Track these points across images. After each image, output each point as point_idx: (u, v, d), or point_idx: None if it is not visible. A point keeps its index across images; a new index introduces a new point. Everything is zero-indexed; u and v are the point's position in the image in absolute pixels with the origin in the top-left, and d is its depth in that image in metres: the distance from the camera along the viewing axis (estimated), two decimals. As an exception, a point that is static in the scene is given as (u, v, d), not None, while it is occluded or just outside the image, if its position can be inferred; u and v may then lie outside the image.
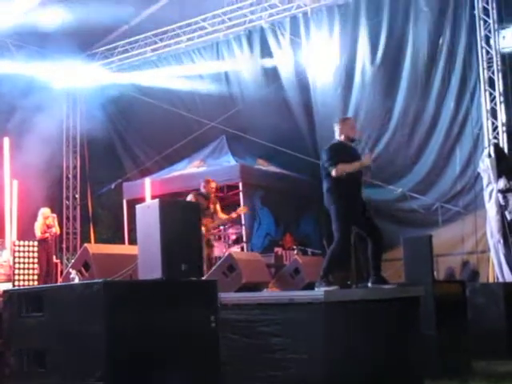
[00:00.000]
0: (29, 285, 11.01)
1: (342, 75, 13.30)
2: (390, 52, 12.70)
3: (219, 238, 12.88)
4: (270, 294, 7.98)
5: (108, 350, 3.87)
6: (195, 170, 14.05)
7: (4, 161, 13.37)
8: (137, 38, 15.47)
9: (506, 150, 11.31)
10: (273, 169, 14.42)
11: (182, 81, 15.17)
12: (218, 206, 10.31)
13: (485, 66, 11.54)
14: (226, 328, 4.88)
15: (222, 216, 10.47)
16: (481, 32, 11.58)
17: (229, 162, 13.88)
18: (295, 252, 12.87)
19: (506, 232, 10.76)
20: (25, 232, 12.77)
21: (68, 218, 16.98)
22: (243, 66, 14.55)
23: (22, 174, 13.37)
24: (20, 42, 14.98)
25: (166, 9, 14.06)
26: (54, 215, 12.70)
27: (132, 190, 14.47)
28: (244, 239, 13.12)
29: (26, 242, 11.68)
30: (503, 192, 10.84)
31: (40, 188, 14.12)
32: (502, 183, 10.86)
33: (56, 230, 12.52)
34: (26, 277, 11.43)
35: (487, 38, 11.56)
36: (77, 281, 7.38)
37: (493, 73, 11.51)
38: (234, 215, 10.93)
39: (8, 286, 10.76)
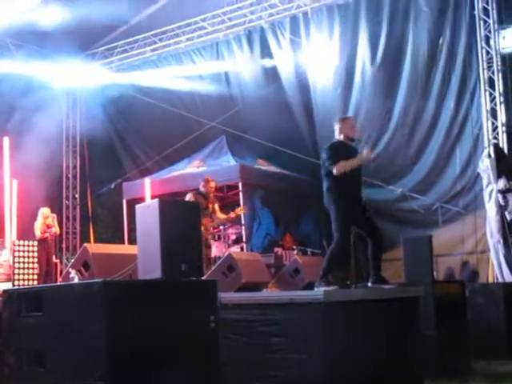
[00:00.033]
0: (28, 284, 11.00)
1: (342, 75, 13.30)
2: (390, 52, 12.70)
3: (219, 237, 12.88)
4: (270, 294, 7.97)
5: (108, 349, 3.86)
6: (195, 170, 14.05)
7: (4, 160, 13.37)
8: (136, 37, 15.47)
9: (505, 151, 11.32)
10: (273, 169, 14.42)
11: (182, 81, 15.17)
12: (216, 206, 10.31)
13: (485, 66, 11.55)
14: (225, 328, 4.88)
15: (221, 216, 10.48)
16: (481, 32, 11.59)
17: (229, 161, 13.88)
18: (295, 252, 12.88)
19: (506, 232, 10.76)
20: (24, 232, 12.77)
21: (68, 218, 16.98)
22: (243, 66, 14.55)
23: (22, 174, 13.37)
24: (20, 41, 14.98)
25: (165, 9, 14.06)
26: (54, 215, 12.71)
27: (132, 190, 14.47)
28: (244, 239, 13.12)
29: (26, 242, 11.68)
30: (503, 192, 10.84)
31: (40, 188, 14.12)
32: (501, 183, 10.86)
33: (56, 229, 12.53)
34: (26, 276, 11.43)
35: (487, 38, 11.57)
36: (76, 280, 7.38)
37: (493, 73, 11.51)
38: (232, 215, 10.94)
39: (8, 285, 10.75)
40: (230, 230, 13.18)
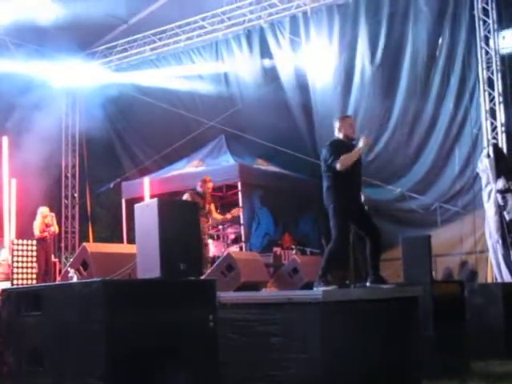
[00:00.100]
0: (27, 284, 11.00)
1: (341, 75, 13.30)
2: (389, 52, 12.70)
3: (218, 237, 12.88)
4: (269, 293, 7.97)
5: (107, 349, 3.86)
6: (194, 170, 14.05)
7: (3, 159, 13.37)
8: (136, 37, 15.47)
9: (504, 151, 11.32)
10: (272, 168, 14.43)
11: (181, 80, 15.17)
12: (212, 206, 10.33)
13: (484, 67, 11.56)
14: (224, 327, 4.88)
15: (217, 216, 10.52)
16: (480, 32, 11.59)
17: (228, 161, 13.88)
18: (294, 252, 12.89)
19: (505, 232, 10.77)
20: (23, 231, 12.77)
21: (67, 217, 16.98)
22: (242, 65, 14.54)
23: (21, 173, 13.38)
24: (19, 40, 14.97)
25: (165, 8, 14.07)
26: (53, 214, 12.72)
27: (131, 190, 14.48)
28: (243, 239, 13.12)
29: (25, 241, 11.68)
30: (502, 192, 10.84)
31: (39, 187, 14.11)
32: (500, 183, 10.87)
33: (55, 228, 12.54)
34: (25, 276, 11.42)
35: (487, 39, 11.58)
36: (75, 280, 7.38)
37: (492, 73, 11.52)
38: (228, 216, 10.99)
39: (7, 284, 10.74)
40: (229, 230, 13.19)
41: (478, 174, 11.36)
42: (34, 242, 11.76)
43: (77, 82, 16.55)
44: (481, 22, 11.61)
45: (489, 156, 11.18)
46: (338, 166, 6.25)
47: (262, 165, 14.42)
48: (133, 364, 3.96)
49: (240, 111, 14.36)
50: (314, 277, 6.86)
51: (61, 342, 4.09)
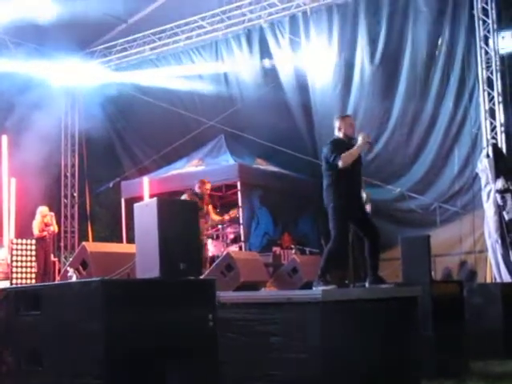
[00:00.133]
0: (26, 283, 11.00)
1: (340, 74, 13.31)
2: (389, 52, 12.71)
3: (217, 237, 12.89)
4: (268, 293, 7.98)
5: (106, 348, 3.86)
6: (193, 169, 14.06)
7: (2, 159, 13.36)
8: (135, 36, 15.47)
9: (504, 151, 11.33)
10: (271, 168, 14.43)
11: (181, 80, 15.17)
12: (210, 208, 10.36)
13: (483, 66, 11.56)
14: (224, 327, 4.88)
15: (215, 217, 10.56)
16: (480, 32, 11.60)
17: (227, 161, 13.88)
18: (293, 251, 12.90)
19: (504, 232, 10.77)
20: (23, 230, 12.76)
21: (66, 217, 16.97)
22: (242, 65, 14.54)
23: (20, 172, 13.37)
24: (18, 39, 14.96)
25: (164, 7, 14.06)
26: (52, 213, 12.71)
27: (130, 189, 14.48)
28: (242, 238, 13.13)
29: (24, 241, 11.67)
30: (501, 192, 10.85)
31: (38, 186, 14.12)
32: (500, 183, 10.87)
33: (54, 228, 12.53)
34: (24, 275, 11.42)
35: (486, 39, 11.58)
36: (74, 279, 7.38)
37: (491, 73, 11.52)
38: (226, 217, 11.04)
39: (6, 284, 10.75)
40: (229, 229, 13.19)
41: (477, 173, 11.37)
42: (34, 242, 11.76)
43: (76, 82, 16.55)
44: (480, 22, 11.61)
45: (488, 156, 11.19)
46: (340, 164, 6.26)
47: (262, 164, 14.43)
48: (132, 364, 3.95)
49: (240, 111, 14.36)
50: (313, 276, 6.86)
51: (60, 342, 4.09)
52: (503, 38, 11.66)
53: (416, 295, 6.02)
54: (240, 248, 12.85)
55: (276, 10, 13.92)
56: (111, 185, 15.53)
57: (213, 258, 11.06)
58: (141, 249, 4.69)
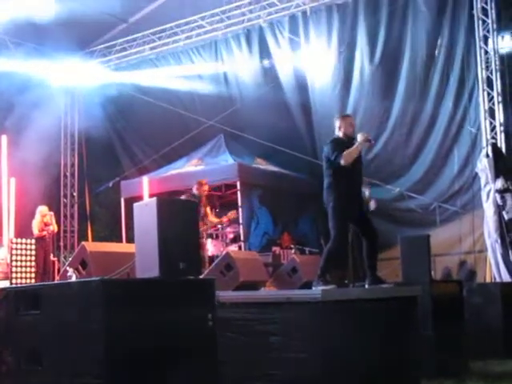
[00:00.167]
0: (26, 283, 10.99)
1: (340, 74, 13.31)
2: (388, 52, 12.71)
3: (217, 236, 12.88)
4: (268, 292, 7.98)
5: (105, 348, 3.86)
6: (193, 169, 14.06)
7: (2, 158, 13.34)
8: (135, 36, 15.46)
9: (503, 150, 11.33)
10: (271, 168, 14.42)
11: (181, 80, 15.17)
12: (208, 209, 10.36)
13: (483, 66, 11.56)
14: (223, 327, 4.88)
15: (213, 219, 10.58)
16: (479, 32, 11.59)
17: (227, 160, 13.87)
18: (293, 251, 12.89)
19: (504, 232, 10.77)
20: (22, 230, 12.75)
21: (66, 216, 16.96)
22: (242, 65, 14.54)
23: (20, 172, 13.36)
24: (18, 39, 14.95)
25: (164, 7, 14.06)
26: (52, 213, 12.71)
27: (130, 189, 14.47)
28: (242, 238, 13.12)
29: (24, 240, 11.66)
30: (501, 192, 10.85)
31: (38, 186, 14.11)
32: (499, 183, 10.87)
33: (53, 227, 12.53)
34: (24, 275, 11.40)
35: (486, 38, 11.58)
36: (74, 279, 7.37)
37: (491, 73, 11.52)
38: (224, 219, 11.06)
39: (5, 283, 10.74)
40: (228, 229, 13.17)
41: (476, 173, 11.37)
42: (33, 241, 11.75)
43: (76, 81, 16.54)
44: (480, 22, 11.61)
45: (488, 156, 11.19)
46: (342, 162, 6.28)
47: (261, 164, 14.42)
48: (131, 363, 3.96)
49: (239, 110, 14.35)
50: (312, 276, 6.86)
51: (59, 341, 4.09)
52: (503, 37, 11.66)
53: (415, 295, 6.03)
54: (239, 248, 12.84)
55: (275, 10, 13.92)
56: (111, 184, 15.53)
57: (212, 258, 11.05)
58: (140, 248, 4.69)
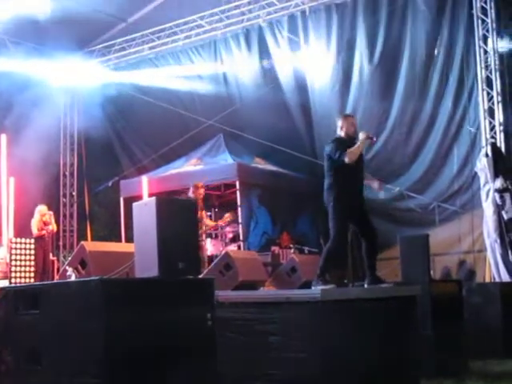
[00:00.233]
0: (25, 282, 10.99)
1: (339, 74, 13.30)
2: (387, 51, 12.70)
3: (216, 236, 12.88)
4: (267, 292, 7.98)
5: (104, 347, 3.86)
6: (192, 169, 14.05)
7: (1, 158, 13.33)
8: (134, 35, 15.45)
9: (503, 150, 11.32)
10: (270, 167, 14.41)
11: (180, 80, 15.16)
12: (203, 213, 10.38)
13: (482, 66, 11.54)
14: (222, 326, 4.88)
15: (209, 223, 10.60)
16: (479, 31, 11.58)
17: (226, 160, 13.87)
18: (292, 251, 12.88)
19: (503, 231, 10.77)
20: (21, 229, 12.74)
21: (65, 216, 16.96)
22: (241, 65, 14.52)
23: (19, 171, 13.35)
24: (17, 38, 14.94)
25: (163, 7, 14.05)
26: (51, 212, 12.70)
27: (129, 188, 14.46)
28: (241, 238, 13.11)
29: (23, 240, 11.65)
30: (500, 191, 10.85)
31: (37, 185, 14.10)
32: (498, 183, 10.87)
33: (53, 227, 12.52)
34: (23, 274, 11.40)
35: (485, 38, 11.57)
36: (73, 278, 7.37)
37: (490, 72, 11.51)
38: (220, 223, 11.06)
39: (5, 283, 10.74)
40: (227, 229, 13.17)
41: (476, 173, 11.37)
42: (32, 241, 11.74)
43: (75, 81, 16.52)
44: (479, 21, 11.60)
45: (487, 155, 11.18)
46: (347, 160, 6.30)
47: (260, 163, 14.41)
48: (131, 363, 3.96)
49: (238, 110, 14.35)
50: (312, 276, 6.86)
51: (59, 341, 4.09)
52: (502, 37, 11.66)
53: (415, 294, 6.03)
54: (239, 247, 12.84)
55: (275, 10, 13.90)
56: (110, 184, 15.52)
57: (211, 258, 11.05)
58: (140, 248, 4.69)
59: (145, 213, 4.64)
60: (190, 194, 10.16)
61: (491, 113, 11.48)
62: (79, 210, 17.05)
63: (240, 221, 13.08)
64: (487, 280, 10.94)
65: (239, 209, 13.06)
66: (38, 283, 7.89)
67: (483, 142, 11.43)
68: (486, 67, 11.54)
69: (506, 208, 10.79)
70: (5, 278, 11.45)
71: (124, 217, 13.94)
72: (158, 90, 15.23)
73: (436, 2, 12.19)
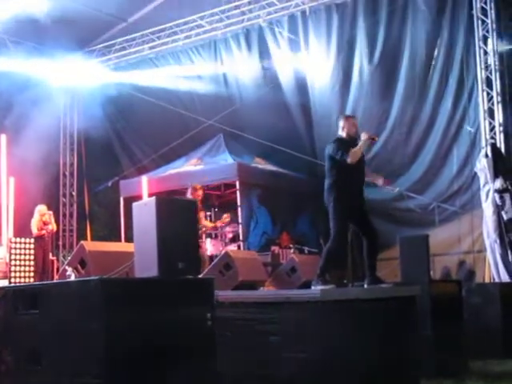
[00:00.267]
0: (25, 282, 10.99)
1: (339, 74, 13.29)
2: (387, 51, 12.69)
3: (216, 236, 12.88)
4: (267, 292, 7.98)
5: (104, 347, 3.86)
6: (192, 169, 14.05)
7: (1, 158, 13.33)
8: (134, 35, 15.45)
9: (503, 150, 11.32)
10: (270, 167, 14.41)
11: (180, 80, 15.16)
12: (201, 214, 10.38)
13: (482, 66, 11.54)
14: (222, 326, 4.88)
15: (208, 224, 10.60)
16: (479, 32, 11.58)
17: (226, 160, 13.87)
18: (292, 251, 12.88)
19: (503, 232, 10.77)
20: (21, 229, 12.75)
21: (64, 215, 16.96)
22: (241, 65, 14.52)
23: (19, 171, 13.35)
24: (17, 38, 14.94)
25: (163, 6, 14.05)
26: (51, 212, 12.70)
27: (129, 188, 14.46)
28: (241, 238, 13.12)
29: (23, 239, 11.66)
30: (500, 192, 10.85)
31: (37, 185, 14.11)
32: (498, 183, 10.87)
33: (52, 227, 12.53)
34: (23, 274, 11.40)
35: (485, 38, 11.56)
36: (73, 278, 7.37)
37: (490, 73, 11.51)
38: (218, 224, 11.05)
39: (4, 282, 10.74)
40: (227, 229, 13.16)
41: (476, 173, 11.36)
42: (32, 240, 11.74)
43: (75, 81, 16.52)
44: (479, 22, 11.59)
45: (487, 156, 11.18)
46: (349, 160, 6.31)
47: (260, 163, 14.41)
48: (131, 362, 3.95)
49: (238, 110, 14.35)
50: (312, 276, 6.87)
51: (59, 341, 4.09)
52: (502, 37, 11.65)
53: (415, 295, 6.03)
54: (238, 247, 12.84)
55: (275, 10, 13.89)
56: (110, 184, 15.53)
57: (211, 257, 11.05)
58: (139, 248, 4.69)
59: (144, 213, 4.64)
60: (188, 195, 10.16)
61: (491, 113, 11.48)
62: (79, 210, 17.05)
63: (240, 221, 13.08)
64: (487, 280, 10.94)
65: (239, 209, 13.06)
66: (37, 283, 7.89)
67: (483, 143, 11.43)
68: (486, 68, 11.54)
69: (506, 208, 10.79)
70: (4, 277, 11.45)
71: (124, 217, 13.94)
72: (157, 90, 15.23)
73: (436, 2, 12.18)
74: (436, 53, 12.30)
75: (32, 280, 11.23)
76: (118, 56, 16.04)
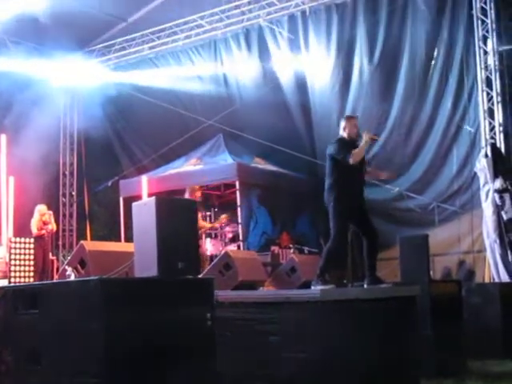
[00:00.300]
0: (25, 282, 10.98)
1: (339, 74, 13.29)
2: (387, 51, 12.69)
3: (215, 236, 12.89)
4: (267, 292, 7.98)
5: (104, 347, 3.86)
6: (192, 168, 14.04)
7: (1, 157, 13.33)
8: (134, 35, 15.44)
9: (502, 150, 11.32)
10: (270, 167, 14.40)
11: (180, 80, 15.15)
12: (199, 215, 10.39)
13: (482, 66, 11.54)
14: (222, 326, 4.88)
15: (206, 225, 10.61)
16: (478, 32, 11.58)
17: (226, 160, 13.86)
18: (291, 251, 12.88)
19: (502, 232, 10.77)
20: (21, 229, 12.74)
21: (64, 215, 16.95)
22: (241, 65, 14.51)
23: (19, 171, 13.35)
24: (17, 38, 14.93)
25: (163, 6, 14.05)
26: (51, 212, 12.70)
27: (129, 188, 14.45)
28: (240, 238, 13.10)
29: (23, 239, 11.65)
30: (500, 192, 10.85)
31: (36, 185, 14.10)
32: (498, 183, 10.87)
33: (52, 226, 12.52)
34: (22, 274, 11.40)
35: (485, 38, 11.56)
36: (73, 278, 7.37)
37: (490, 73, 11.51)
38: (216, 225, 11.04)
39: (4, 282, 10.74)
40: (227, 229, 13.17)
41: (475, 173, 11.37)
42: (32, 240, 11.74)
43: (75, 81, 16.51)
44: (479, 22, 11.59)
45: (487, 156, 11.18)
46: (351, 161, 6.32)
47: (260, 163, 14.40)
48: (131, 362, 3.96)
49: (238, 110, 14.34)
50: (311, 276, 6.87)
51: (59, 341, 4.09)
52: (501, 37, 11.65)
53: (414, 295, 6.03)
54: (238, 247, 12.83)
55: (275, 10, 13.88)
56: (110, 184, 15.52)
57: (211, 257, 11.05)
58: (139, 248, 4.69)
59: (144, 212, 4.64)
60: (187, 196, 10.17)
61: (491, 113, 11.48)
62: (79, 210, 17.05)
63: (240, 221, 13.07)
64: (486, 280, 10.95)
65: (239, 209, 13.04)
66: (37, 283, 7.89)
67: (483, 143, 11.43)
68: (486, 68, 11.53)
69: (506, 208, 10.79)
70: (4, 277, 11.45)
71: (123, 216, 13.93)
72: (157, 90, 15.22)
73: (436, 2, 12.18)
74: (436, 53, 12.30)
75: (32, 280, 11.23)
76: (117, 56, 16.03)
